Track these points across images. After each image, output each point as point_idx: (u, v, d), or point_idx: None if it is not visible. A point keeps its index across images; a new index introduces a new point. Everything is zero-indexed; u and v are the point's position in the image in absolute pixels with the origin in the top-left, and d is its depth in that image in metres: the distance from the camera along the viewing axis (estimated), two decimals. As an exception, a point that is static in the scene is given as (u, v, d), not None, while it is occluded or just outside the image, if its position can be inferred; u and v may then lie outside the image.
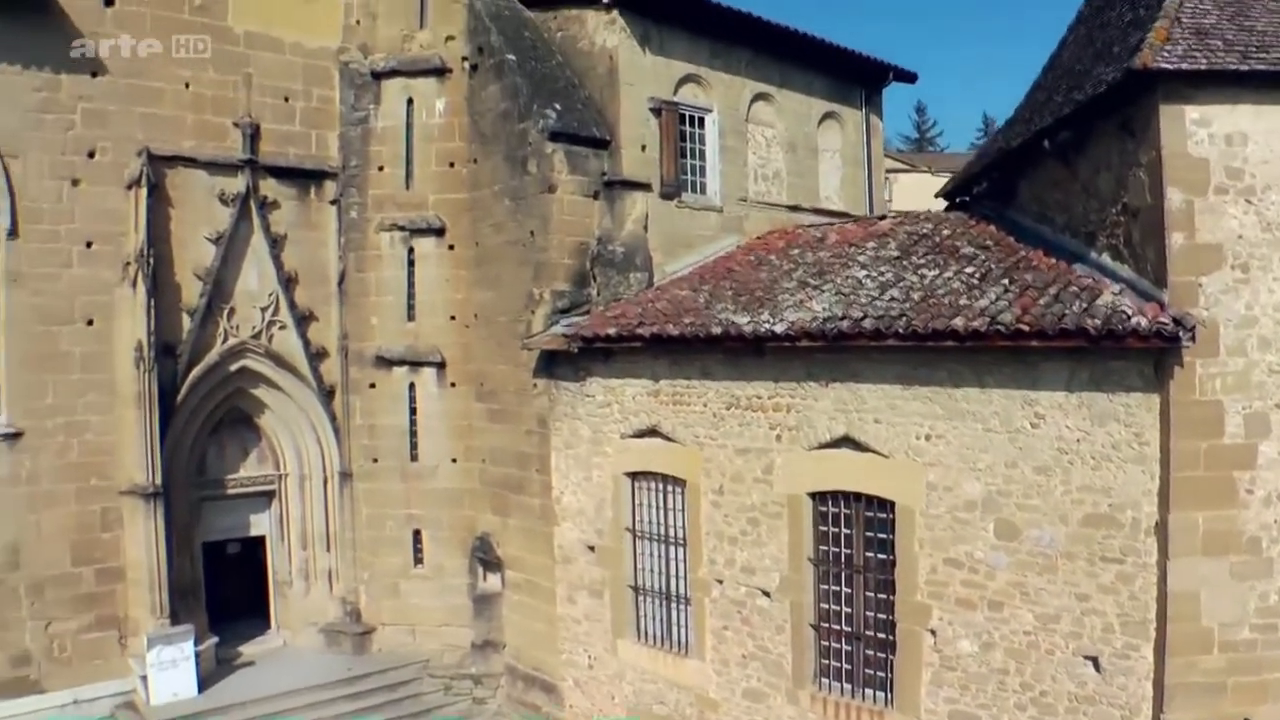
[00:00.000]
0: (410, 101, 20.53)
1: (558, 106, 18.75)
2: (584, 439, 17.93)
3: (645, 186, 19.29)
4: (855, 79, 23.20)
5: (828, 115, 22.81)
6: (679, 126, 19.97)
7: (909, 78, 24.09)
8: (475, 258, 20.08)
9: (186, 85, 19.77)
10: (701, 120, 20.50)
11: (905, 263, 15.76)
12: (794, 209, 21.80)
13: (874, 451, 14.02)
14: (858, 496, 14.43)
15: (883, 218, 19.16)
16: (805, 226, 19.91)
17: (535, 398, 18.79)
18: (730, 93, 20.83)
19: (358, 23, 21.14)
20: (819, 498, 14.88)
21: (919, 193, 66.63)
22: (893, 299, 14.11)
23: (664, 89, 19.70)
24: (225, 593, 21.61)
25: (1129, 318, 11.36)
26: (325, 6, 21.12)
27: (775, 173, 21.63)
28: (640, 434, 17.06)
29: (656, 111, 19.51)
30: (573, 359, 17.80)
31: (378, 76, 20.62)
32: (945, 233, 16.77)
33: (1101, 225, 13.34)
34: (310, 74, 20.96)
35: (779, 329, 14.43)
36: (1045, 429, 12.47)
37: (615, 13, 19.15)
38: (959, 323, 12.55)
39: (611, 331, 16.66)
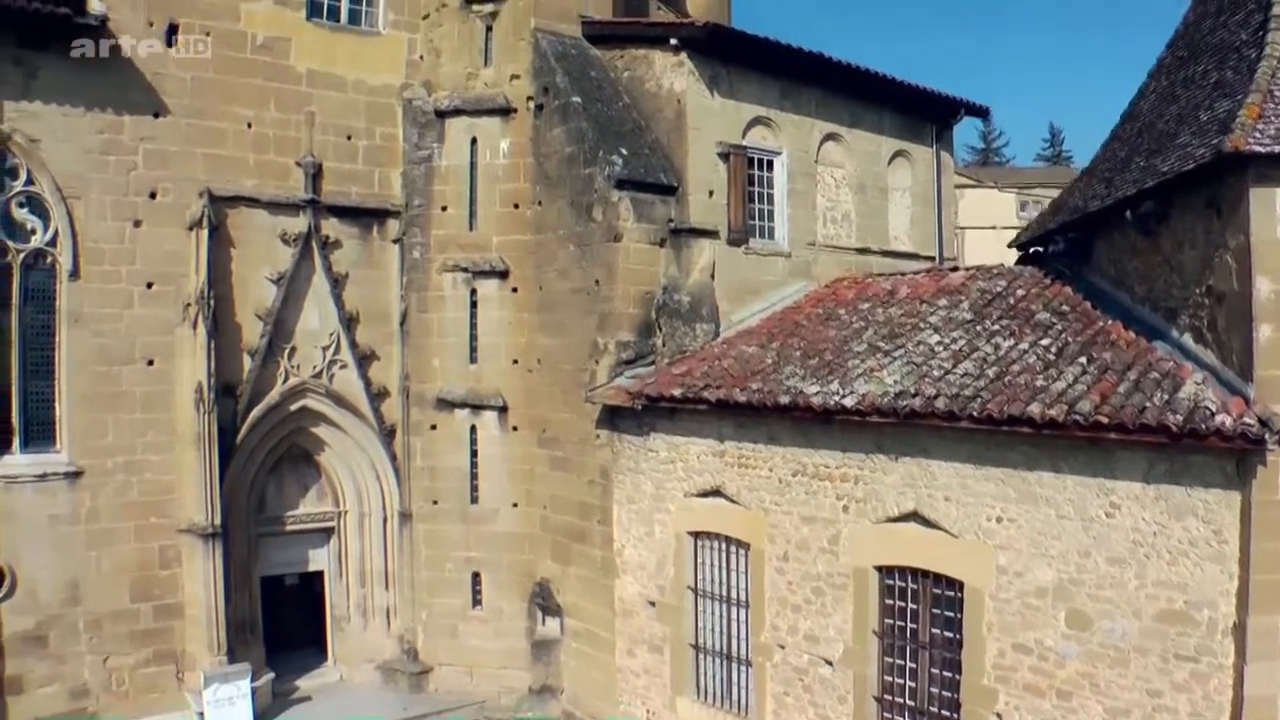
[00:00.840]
0: (474, 141, 20.91)
1: (624, 151, 19.03)
2: (647, 494, 18.23)
3: (712, 234, 19.52)
4: (926, 116, 23.27)
5: (898, 154, 22.91)
6: (747, 170, 20.16)
7: (981, 112, 24.07)
8: (539, 302, 20.42)
9: (249, 125, 20.32)
10: (770, 163, 20.69)
11: (979, 328, 15.88)
12: (863, 252, 21.96)
13: (943, 530, 14.16)
14: (925, 573, 14.57)
15: (955, 268, 19.26)
16: (875, 276, 20.04)
17: (598, 449, 19.11)
18: (799, 134, 21.00)
19: (421, 58, 21.57)
20: (885, 571, 15.05)
21: (986, 209, 66.42)
22: (966, 374, 14.24)
23: (732, 132, 19.90)
24: (283, 624, 22.24)
25: (1213, 415, 11.41)
26: (388, 43, 21.57)
27: (844, 215, 21.78)
28: (704, 494, 17.32)
29: (725, 156, 19.72)
30: (637, 413, 18.08)
31: (441, 115, 21.01)
32: (1019, 293, 16.86)
33: (1184, 303, 13.38)
34: (373, 112, 21.42)
35: (849, 402, 14.62)
36: (1120, 519, 12.55)
37: (683, 55, 19.37)
38: (1035, 409, 12.66)
39: (676, 392, 16.93)
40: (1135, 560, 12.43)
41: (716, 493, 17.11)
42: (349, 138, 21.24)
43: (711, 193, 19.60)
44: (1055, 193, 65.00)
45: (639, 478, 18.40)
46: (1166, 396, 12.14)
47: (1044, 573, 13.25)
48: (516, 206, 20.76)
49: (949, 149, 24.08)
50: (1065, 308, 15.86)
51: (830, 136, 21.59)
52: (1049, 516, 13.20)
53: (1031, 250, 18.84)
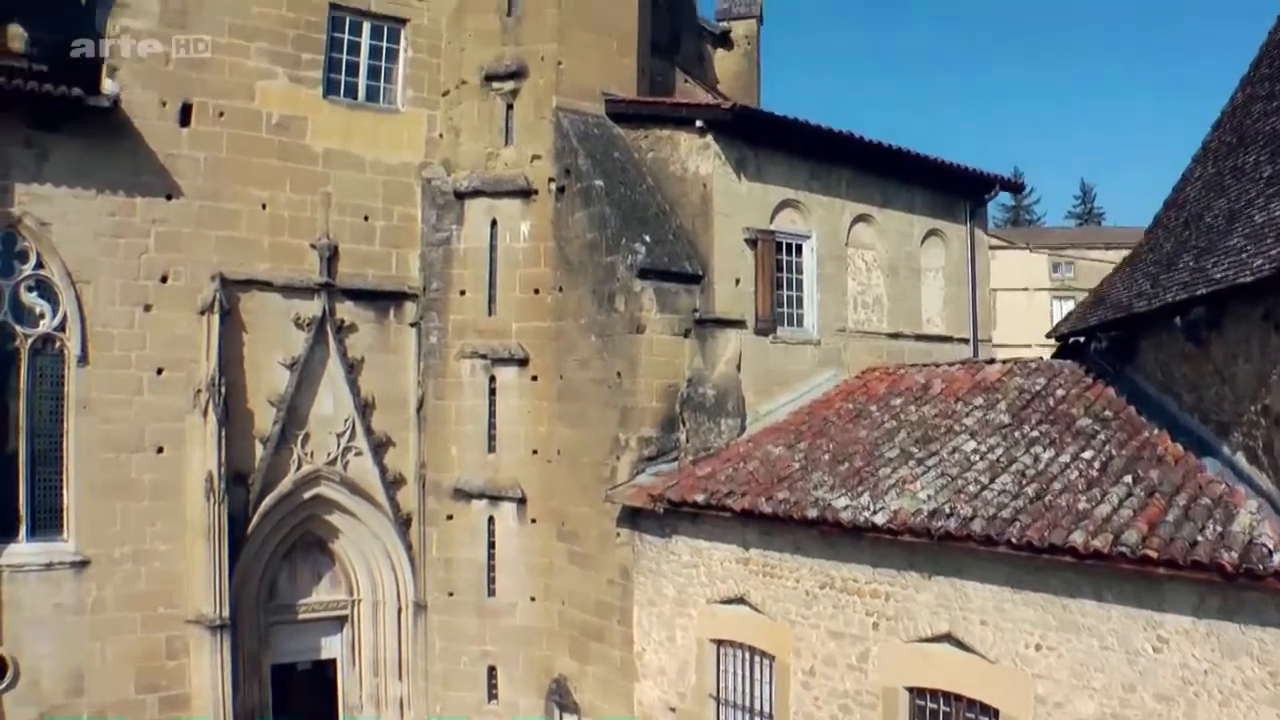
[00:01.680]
0: (494, 223, 20.57)
1: (647, 239, 18.61)
2: (668, 598, 17.67)
3: (739, 324, 19.04)
4: (959, 192, 22.78)
5: (931, 233, 22.40)
6: (775, 256, 19.70)
7: (1015, 187, 23.65)
8: (559, 391, 19.98)
9: (263, 206, 20.08)
10: (799, 248, 20.23)
11: (1017, 434, 15.31)
12: (895, 336, 21.43)
13: (978, 654, 13.52)
14: (959, 698, 13.93)
15: (991, 361, 18.71)
16: (908, 367, 19.49)
17: (618, 547, 18.57)
18: (829, 216, 20.54)
19: (440, 137, 21.35)
20: (917, 693, 14.40)
21: (1018, 271, 65.98)
22: (1004, 490, 13.65)
23: (760, 217, 19.47)
24: (295, 712, 21.65)
25: (1270, 553, 10.78)
26: (407, 121, 21.35)
27: (875, 299, 21.26)
28: (728, 601, 16.74)
29: (752, 243, 19.28)
30: (659, 514, 17.54)
31: (460, 196, 20.71)
32: (1059, 393, 16.29)
33: (1236, 419, 12.77)
34: (391, 191, 21.15)
35: (879, 519, 14.04)
36: (1168, 655, 11.89)
37: (709, 138, 18.98)
38: (1078, 538, 12.06)
39: (699, 498, 16.41)
40: (1184, 699, 11.76)
41: (740, 600, 16.53)
42: (366, 218, 20.96)
43: (738, 281, 19.14)
44: (1088, 254, 65.05)
45: (660, 580, 17.84)
46: (1219, 528, 11.51)
47: (1086, 706, 12.59)
48: (537, 292, 20.36)
49: (983, 225, 23.55)
50: (1108, 413, 15.29)
51: (861, 218, 21.12)
52: (1091, 647, 12.55)
53: (1071, 340, 18.24)
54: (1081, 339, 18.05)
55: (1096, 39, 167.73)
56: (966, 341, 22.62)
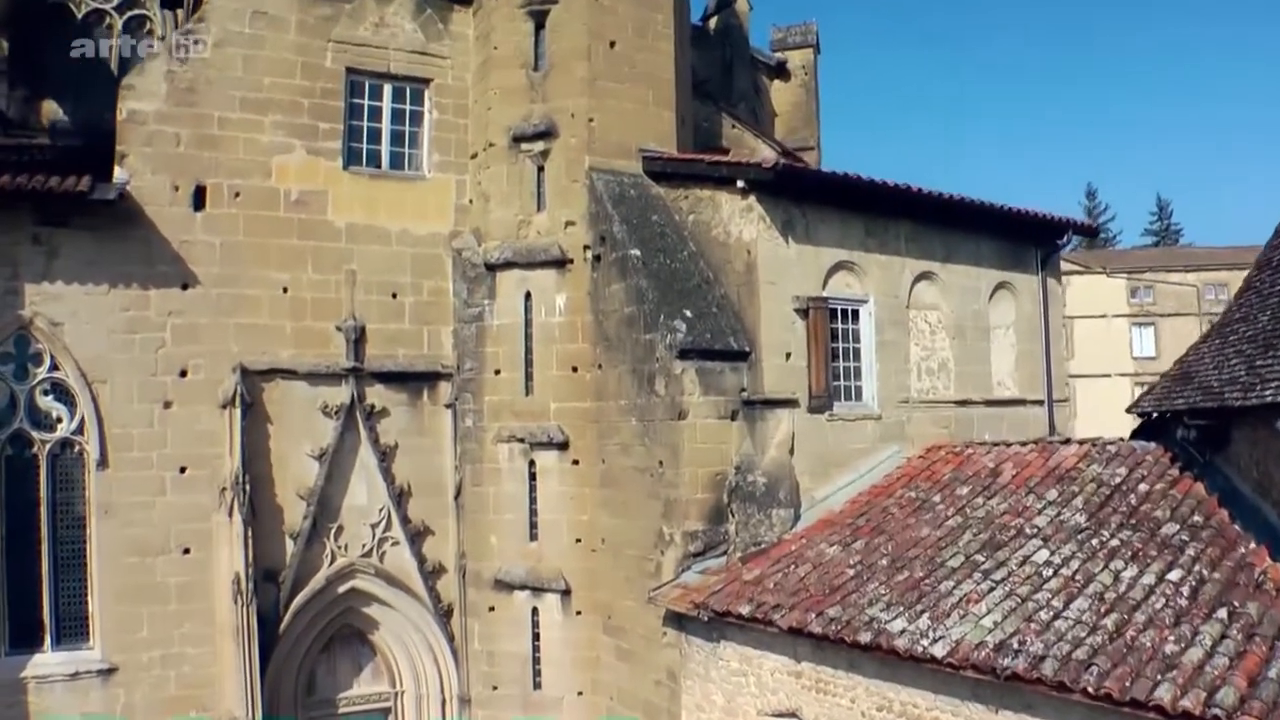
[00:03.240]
0: (528, 296, 19.47)
1: (688, 314, 17.37)
2: (717, 705, 16.40)
3: (791, 403, 17.68)
4: (1029, 239, 21.07)
5: (999, 286, 20.74)
6: (829, 325, 18.28)
7: (1090, 231, 21.90)
8: (601, 476, 18.82)
9: (284, 290, 19.25)
10: (855, 314, 18.80)
11: (1094, 541, 13.82)
12: (963, 404, 19.84)
13: (1052, 799, 12.16)
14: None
15: (1066, 441, 17.17)
16: (976, 446, 17.95)
17: (665, 647, 17.35)
18: (888, 277, 19.08)
19: (471, 203, 20.29)
20: (985, 835, 13.08)
21: (1095, 297, 63.24)
22: (1079, 620, 12.18)
23: (811, 283, 18.08)
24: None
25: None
26: (435, 188, 20.41)
27: (941, 364, 19.74)
28: (779, 715, 15.41)
29: (803, 312, 17.88)
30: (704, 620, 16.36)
31: (492, 268, 19.64)
32: (1142, 488, 14.77)
33: (1347, 540, 11.27)
34: (420, 264, 20.17)
35: (938, 651, 12.64)
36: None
37: (752, 199, 17.64)
38: (1165, 694, 10.58)
39: (744, 610, 15.12)
40: None
41: (792, 715, 15.20)
42: (394, 295, 19.98)
43: (789, 355, 17.78)
44: (1167, 278, 62.15)
45: (708, 685, 16.59)
46: (1329, 688, 10.03)
47: None
48: (575, 370, 19.21)
49: (1056, 274, 21.83)
50: (1197, 518, 13.74)
51: (923, 276, 19.57)
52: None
53: (1153, 416, 16.65)
54: (1165, 412, 16.48)
55: (1166, 46, 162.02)
56: (1041, 404, 20.95)
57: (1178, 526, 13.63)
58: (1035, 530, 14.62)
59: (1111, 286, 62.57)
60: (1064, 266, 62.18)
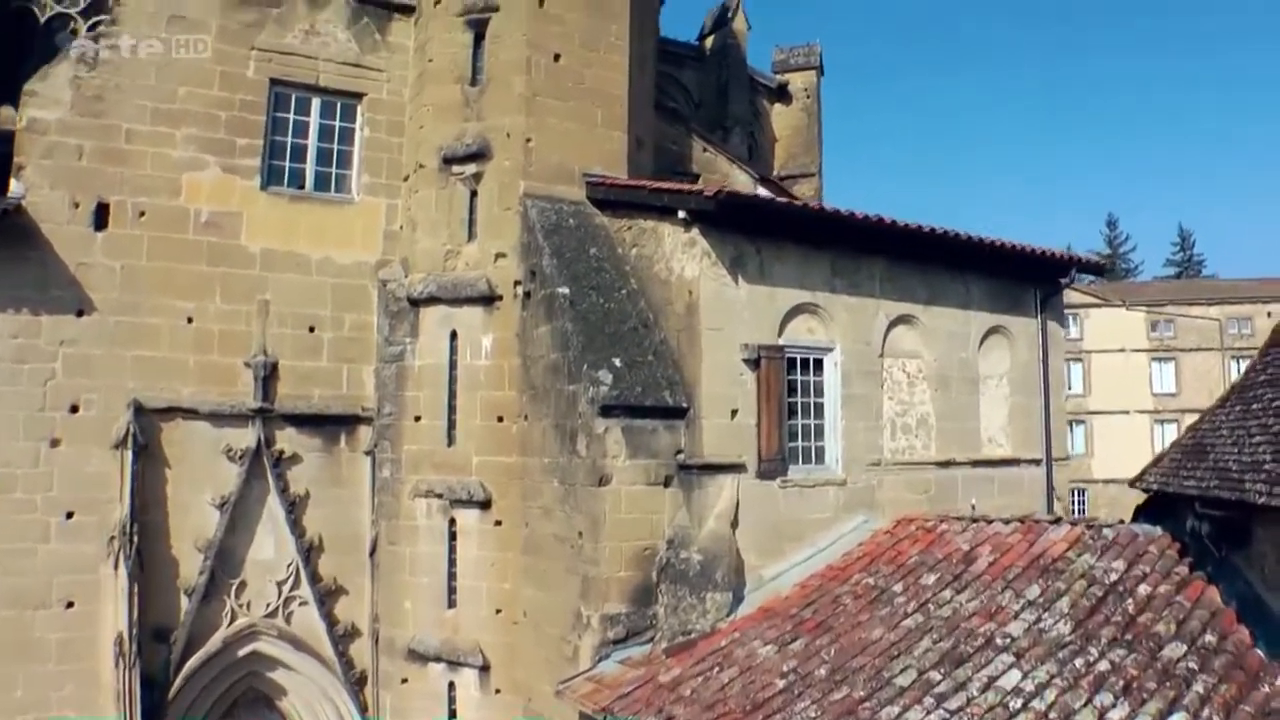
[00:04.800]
0: (454, 335, 15.81)
1: (617, 363, 13.71)
2: (632, 826, 12.74)
3: (736, 467, 13.95)
4: (1028, 278, 17.13)
5: (992, 331, 16.81)
6: (785, 377, 14.53)
7: (1096, 269, 17.94)
8: (525, 541, 15.11)
9: (189, 320, 15.80)
10: (818, 363, 15.00)
11: (1079, 661, 10.04)
12: (945, 465, 15.94)
13: None
14: None
15: (1057, 520, 13.23)
16: (952, 520, 14.01)
17: (581, 747, 13.70)
18: (858, 321, 15.26)
19: (400, 228, 16.73)
20: None
21: (1114, 330, 58.09)
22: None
23: (765, 329, 14.34)
24: None
25: None
26: (363, 212, 16.90)
27: (920, 419, 15.86)
28: None
29: (754, 362, 14.15)
30: (622, 717, 12.66)
31: (415, 303, 16.02)
32: (1142, 591, 10.91)
33: None
34: (342, 296, 16.65)
35: (865, 821, 8.93)
36: None
37: (695, 232, 13.96)
38: None
39: (650, 726, 11.45)
40: None
41: None
42: (311, 329, 16.45)
43: (735, 411, 14.05)
44: (1189, 311, 56.92)
45: (628, 798, 12.93)
46: None
47: None
48: (501, 420, 15.50)
49: (1058, 317, 17.79)
50: (1210, 637, 9.94)
51: (901, 320, 15.73)
52: None
53: (1158, 494, 12.75)
54: (1169, 488, 12.58)
55: (1188, 75, 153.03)
56: (1038, 463, 16.97)
57: (1185, 648, 9.82)
58: (1008, 641, 10.79)
59: (1131, 320, 57.49)
60: (1081, 299, 57.23)
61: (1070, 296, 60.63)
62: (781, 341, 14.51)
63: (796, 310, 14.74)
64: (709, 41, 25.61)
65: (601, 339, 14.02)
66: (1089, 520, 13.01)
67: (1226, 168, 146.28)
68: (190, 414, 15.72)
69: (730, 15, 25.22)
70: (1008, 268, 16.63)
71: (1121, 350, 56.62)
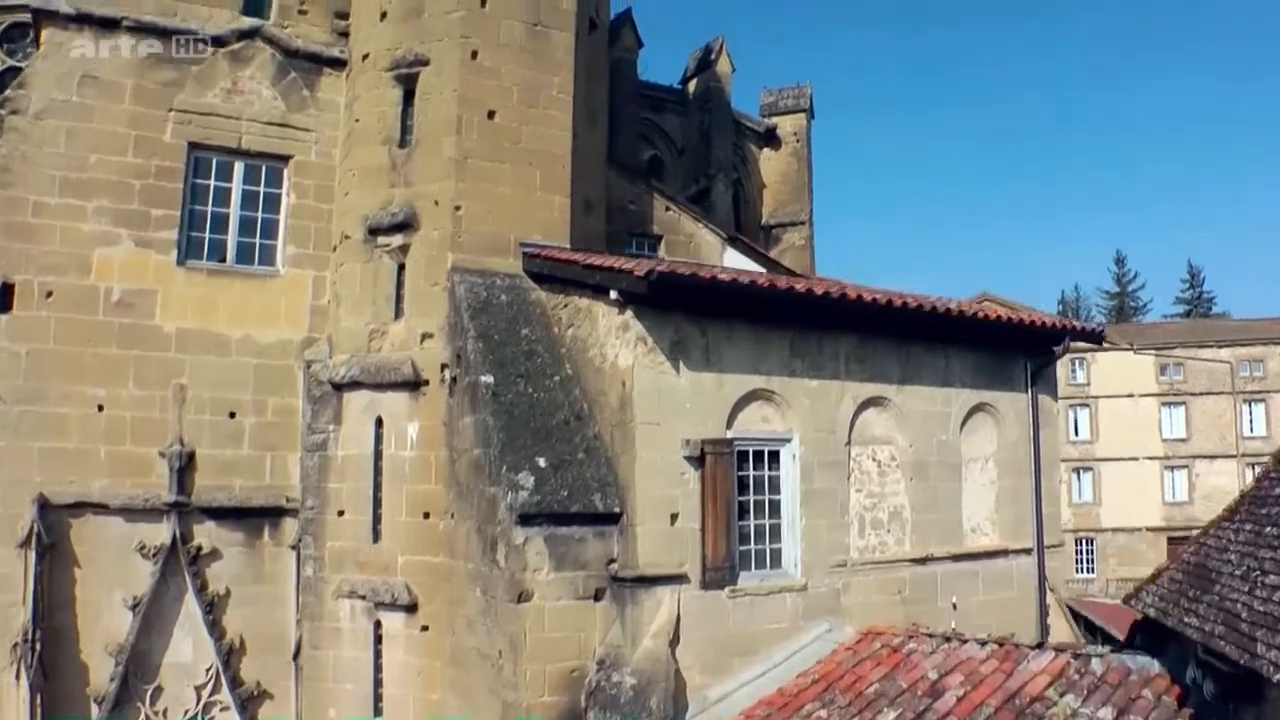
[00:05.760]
0: (379, 423, 13.85)
1: (542, 464, 11.74)
2: None
3: (676, 578, 11.84)
4: (1018, 348, 14.87)
5: (976, 409, 14.56)
6: (734, 474, 12.41)
7: (1093, 337, 15.62)
8: (452, 651, 13.05)
9: (99, 408, 13.97)
10: (773, 456, 12.86)
11: None
12: (923, 562, 13.66)
13: None
14: None
15: (1038, 646, 11.03)
16: (921, 636, 11.81)
17: None
18: (821, 407, 13.10)
19: (327, 303, 14.80)
20: None
21: (1122, 375, 54.59)
22: None
23: (711, 420, 12.23)
24: None
25: None
26: (288, 287, 15.01)
27: (893, 512, 13.64)
28: None
29: (698, 459, 12.04)
30: None
31: (339, 388, 14.08)
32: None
33: None
34: (265, 378, 14.73)
35: None
36: None
37: (628, 315, 11.91)
38: None
39: None
40: None
41: None
42: (232, 415, 14.54)
43: (675, 516, 11.92)
44: (1199, 354, 53.48)
45: None
46: None
47: None
48: (428, 516, 13.44)
49: (1050, 389, 15.46)
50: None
51: (871, 402, 13.53)
52: None
53: (1150, 615, 10.46)
54: (1159, 604, 10.30)
55: (1195, 107, 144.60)
56: (1029, 552, 14.61)
57: None
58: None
59: (1139, 363, 53.96)
60: (1087, 343, 54.23)
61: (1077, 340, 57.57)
62: (731, 434, 12.40)
63: (750, 397, 12.61)
64: (692, 85, 23.50)
65: (526, 435, 12.02)
66: (1076, 650, 10.81)
67: (1235, 203, 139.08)
68: (101, 509, 13.86)
69: (714, 58, 23.10)
70: (994, 338, 14.40)
71: (1130, 395, 53.18)
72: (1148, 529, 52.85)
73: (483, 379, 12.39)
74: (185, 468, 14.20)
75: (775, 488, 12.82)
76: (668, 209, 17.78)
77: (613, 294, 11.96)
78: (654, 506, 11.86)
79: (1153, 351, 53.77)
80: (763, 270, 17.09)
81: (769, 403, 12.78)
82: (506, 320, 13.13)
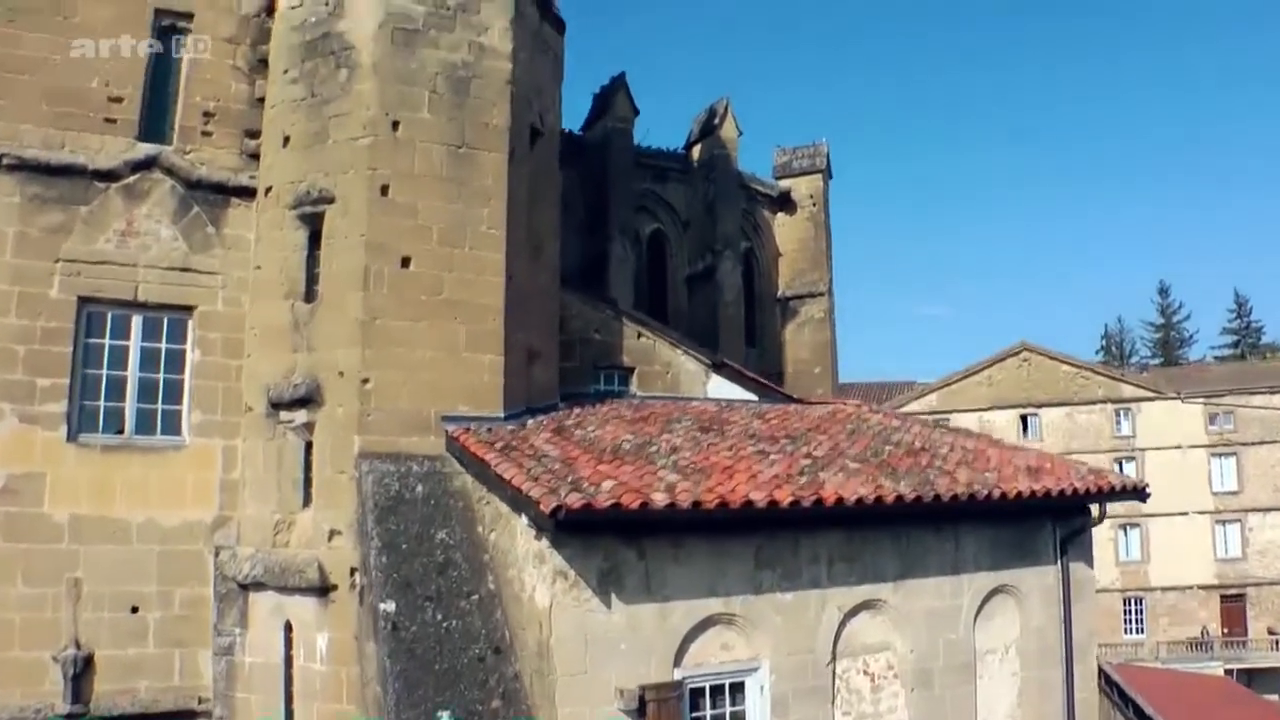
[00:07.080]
0: (288, 628, 11.30)
1: (444, 718, 9.07)
2: None
3: None
4: (1046, 513, 11.70)
5: (994, 593, 11.54)
6: (689, 716, 9.63)
7: (1136, 495, 12.28)
8: None
9: (-20, 614, 11.59)
10: (737, 689, 10.02)
11: None
12: (929, 793, 10.83)
13: None
14: None
15: None
16: None
17: None
18: (797, 623, 10.21)
19: (239, 476, 12.19)
20: None
21: (1168, 426, 49.22)
22: None
23: (654, 660, 9.46)
24: None
25: None
26: (193, 459, 12.24)
27: (890, 733, 10.78)
28: None
29: (636, 711, 9.27)
30: None
31: (245, 587, 11.55)
32: None
33: None
34: (170, 567, 12.06)
35: None
36: None
37: (544, 544, 9.15)
38: None
39: None
40: None
41: None
42: (134, 609, 11.91)
43: (608, 783, 9.26)
44: (1249, 400, 47.39)
45: None
46: None
47: None
48: (341, 750, 10.99)
49: (1086, 556, 12.25)
50: None
51: (862, 607, 10.60)
52: None
53: None
54: None
55: (1237, 136, 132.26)
56: (1062, 767, 11.65)
57: None
58: None
59: (1187, 412, 48.88)
60: (1133, 393, 48.92)
61: (1121, 390, 51.61)
62: (680, 674, 9.60)
63: (705, 624, 9.80)
64: (696, 151, 20.47)
65: (429, 682, 9.38)
66: None
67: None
68: (-21, 731, 11.69)
69: (718, 121, 19.98)
70: (1015, 509, 11.29)
71: (1178, 446, 48.02)
72: (1199, 587, 48.15)
73: (382, 606, 9.74)
74: (82, 673, 11.71)
75: (737, 726, 10.07)
76: (640, 335, 14.85)
77: (523, 518, 9.22)
78: (581, 776, 9.21)
79: (1201, 400, 48.62)
80: (755, 399, 14.16)
81: (729, 627, 9.94)
82: (420, 521, 10.44)
